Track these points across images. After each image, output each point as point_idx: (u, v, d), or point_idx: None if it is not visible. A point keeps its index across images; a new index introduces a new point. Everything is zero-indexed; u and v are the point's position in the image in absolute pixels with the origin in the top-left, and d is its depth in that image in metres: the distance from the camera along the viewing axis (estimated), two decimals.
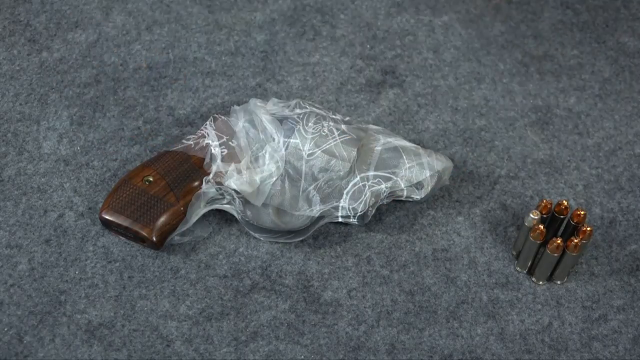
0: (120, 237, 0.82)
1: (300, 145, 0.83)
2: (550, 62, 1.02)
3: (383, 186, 0.83)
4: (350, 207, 0.82)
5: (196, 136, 0.85)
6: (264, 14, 1.05)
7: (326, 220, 0.82)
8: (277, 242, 0.83)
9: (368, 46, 1.02)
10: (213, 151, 0.83)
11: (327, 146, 0.83)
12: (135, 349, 0.75)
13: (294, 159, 0.83)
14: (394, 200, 0.86)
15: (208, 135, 0.84)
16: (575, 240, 0.76)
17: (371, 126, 0.88)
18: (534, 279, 0.81)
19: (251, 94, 0.96)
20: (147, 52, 1.00)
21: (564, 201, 0.79)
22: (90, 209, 0.85)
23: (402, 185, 0.83)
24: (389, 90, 0.98)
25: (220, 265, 0.81)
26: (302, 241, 0.83)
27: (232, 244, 0.83)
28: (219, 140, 0.84)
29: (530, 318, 0.79)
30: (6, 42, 1.00)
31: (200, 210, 0.81)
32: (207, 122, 0.85)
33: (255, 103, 0.86)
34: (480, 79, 0.99)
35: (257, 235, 0.82)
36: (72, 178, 0.87)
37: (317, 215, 0.81)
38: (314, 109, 0.86)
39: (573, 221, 0.79)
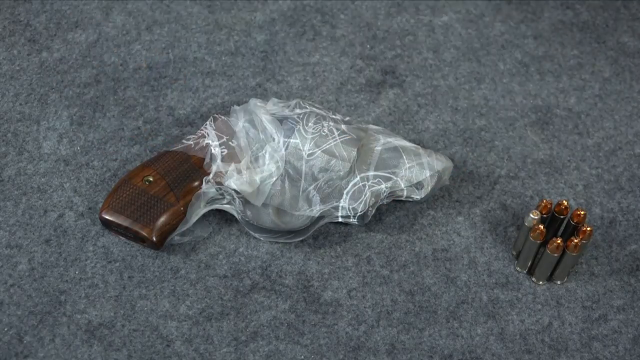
0: (120, 237, 0.82)
1: (300, 145, 0.83)
2: (550, 62, 1.02)
3: (383, 186, 0.83)
4: (350, 207, 0.82)
5: (196, 136, 0.85)
6: (264, 14, 1.05)
7: (326, 220, 0.82)
8: (277, 242, 0.83)
9: (368, 46, 1.02)
10: (213, 151, 0.83)
11: (327, 146, 0.83)
12: (135, 349, 0.75)
13: (294, 159, 0.83)
14: (394, 200, 0.86)
15: (208, 135, 0.84)
16: (575, 240, 0.76)
17: (371, 126, 0.88)
18: (534, 279, 0.81)
19: (251, 94, 0.96)
20: (147, 52, 1.00)
21: (564, 201, 0.79)
22: (90, 209, 0.85)
23: (402, 185, 0.83)
24: (389, 90, 0.98)
25: (220, 265, 0.81)
26: (302, 241, 0.83)
27: (232, 244, 0.83)
28: (219, 140, 0.84)
29: (530, 318, 0.79)
30: (6, 42, 1.00)
31: (200, 210, 0.81)
32: (207, 122, 0.85)
33: (255, 103, 0.86)
34: (480, 79, 0.99)
35: (257, 235, 0.82)
36: (72, 178, 0.87)
37: (317, 215, 0.81)
38: (314, 109, 0.86)
39: (573, 221, 0.79)
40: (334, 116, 0.86)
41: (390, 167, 0.84)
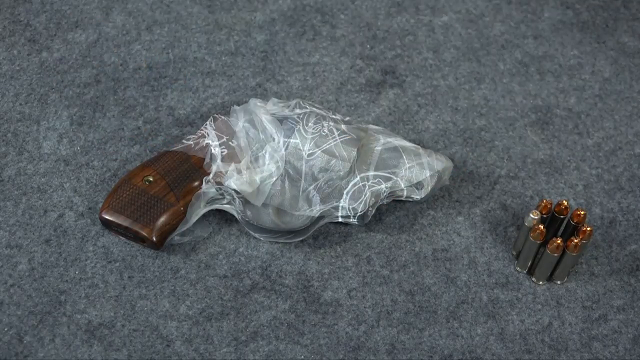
0: (120, 237, 0.82)
1: (300, 145, 0.83)
2: (550, 62, 1.02)
3: (383, 186, 0.83)
4: (350, 207, 0.82)
5: (196, 136, 0.85)
6: (264, 14, 1.05)
7: (326, 220, 0.82)
8: (277, 242, 0.83)
9: (368, 46, 1.02)
10: (213, 151, 0.83)
11: (327, 146, 0.83)
12: (135, 349, 0.75)
13: (294, 159, 0.83)
14: (394, 200, 0.86)
15: (208, 135, 0.84)
16: (575, 240, 0.76)
17: (371, 126, 0.88)
18: (534, 279, 0.81)
19: (251, 94, 0.96)
20: (147, 52, 1.00)
21: (564, 201, 0.79)
22: (90, 209, 0.85)
23: (402, 185, 0.83)
24: (389, 90, 0.98)
25: (220, 265, 0.81)
26: (302, 241, 0.83)
27: (232, 244, 0.83)
28: (219, 140, 0.84)
29: (530, 318, 0.79)
30: (6, 42, 1.00)
31: (200, 210, 0.81)
32: (207, 122, 0.85)
33: (255, 103, 0.86)
34: (480, 79, 0.99)
35: (257, 235, 0.82)
36: (72, 178, 0.87)
37: (317, 215, 0.81)
38: (314, 109, 0.86)
39: (573, 221, 0.79)
40: (334, 116, 0.86)
41: (390, 167, 0.84)
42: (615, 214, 0.87)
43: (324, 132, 0.84)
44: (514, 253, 0.83)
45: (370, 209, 0.82)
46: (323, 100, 0.96)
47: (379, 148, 0.85)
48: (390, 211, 0.86)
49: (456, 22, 1.06)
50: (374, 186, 0.82)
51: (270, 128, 0.84)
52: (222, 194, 0.82)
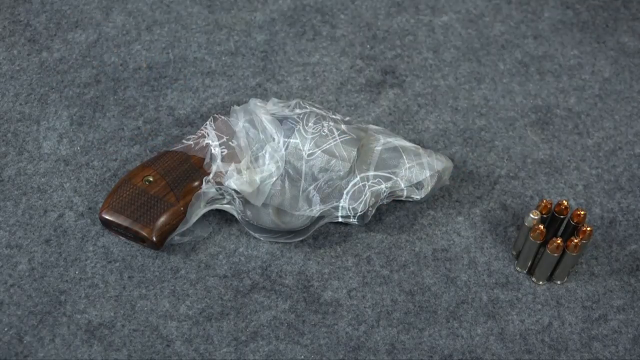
0: (120, 237, 0.82)
1: (300, 145, 0.83)
2: (550, 62, 1.02)
3: (383, 186, 0.83)
4: (350, 207, 0.82)
5: (196, 136, 0.85)
6: (264, 14, 1.05)
7: (326, 220, 0.82)
8: (277, 242, 0.83)
9: (368, 46, 1.02)
10: (213, 151, 0.83)
11: (327, 146, 0.83)
12: (135, 349, 0.75)
13: (294, 159, 0.83)
14: (394, 200, 0.86)
15: (208, 135, 0.84)
16: (575, 240, 0.76)
17: (371, 126, 0.88)
18: (534, 279, 0.81)
19: (251, 94, 0.96)
20: (147, 52, 1.00)
21: (564, 201, 0.79)
22: (90, 209, 0.85)
23: (402, 185, 0.83)
24: (389, 90, 0.98)
25: (220, 265, 0.81)
26: (302, 241, 0.83)
27: (232, 244, 0.83)
28: (219, 140, 0.84)
29: (530, 318, 0.79)
30: (6, 42, 1.00)
31: (200, 210, 0.81)
32: (207, 122, 0.85)
33: (255, 103, 0.86)
34: (480, 79, 0.99)
35: (257, 235, 0.82)
36: (72, 178, 0.87)
37: (317, 215, 0.81)
38: (314, 109, 0.86)
39: (573, 221, 0.79)
40: (334, 116, 0.86)
41: (390, 167, 0.84)
42: (615, 214, 0.87)
43: (324, 132, 0.84)
44: (514, 253, 0.83)
45: (370, 209, 0.82)
46: (323, 100, 0.96)
47: (379, 148, 0.85)
48: (390, 211, 0.86)
49: (456, 22, 1.06)
50: (374, 186, 0.82)
51: (270, 128, 0.84)
52: (222, 194, 0.82)
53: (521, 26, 1.06)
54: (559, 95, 0.98)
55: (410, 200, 0.84)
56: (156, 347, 0.75)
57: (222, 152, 0.83)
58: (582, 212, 0.78)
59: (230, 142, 0.84)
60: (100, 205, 0.85)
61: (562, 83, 1.00)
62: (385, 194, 0.83)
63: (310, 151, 0.83)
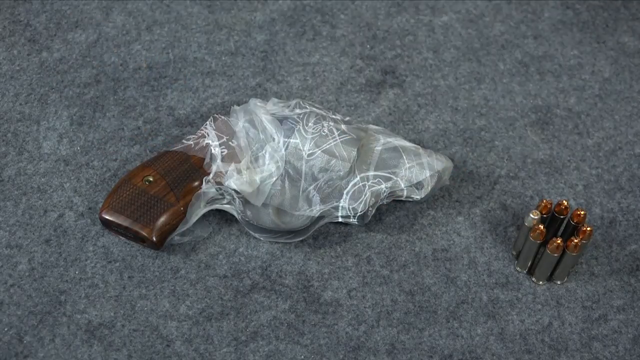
0: (120, 237, 0.82)
1: (300, 145, 0.83)
2: (550, 62, 1.02)
3: (383, 186, 0.83)
4: (350, 207, 0.82)
5: (196, 136, 0.85)
6: (264, 14, 1.05)
7: (326, 220, 0.82)
8: (277, 242, 0.83)
9: (368, 46, 1.02)
10: (213, 151, 0.83)
11: (327, 146, 0.83)
12: (135, 349, 0.75)
13: (294, 159, 0.83)
14: (394, 200, 0.86)
15: (208, 135, 0.84)
16: (575, 240, 0.76)
17: (371, 126, 0.88)
18: (534, 279, 0.81)
19: (251, 94, 0.96)
20: (147, 52, 1.00)
21: (564, 201, 0.79)
22: (90, 209, 0.85)
23: (402, 185, 0.83)
24: (389, 90, 0.98)
25: (220, 265, 0.81)
26: (302, 241, 0.83)
27: (232, 244, 0.83)
28: (219, 140, 0.84)
29: (530, 318, 0.79)
30: (6, 42, 1.00)
31: (200, 210, 0.81)
32: (207, 122, 0.85)
33: (255, 103, 0.86)
34: (480, 79, 0.99)
35: (257, 235, 0.82)
36: (72, 178, 0.87)
37: (317, 215, 0.81)
38: (314, 109, 0.86)
39: (573, 221, 0.79)
40: (334, 116, 0.86)
41: (390, 167, 0.84)
42: (615, 214, 0.87)
43: (324, 132, 0.84)
44: (514, 253, 0.83)
45: (370, 209, 0.82)
46: (323, 100, 0.96)
47: (379, 148, 0.85)
48: (390, 211, 0.86)
49: (456, 22, 1.06)
50: (374, 186, 0.82)
51: (270, 128, 0.84)
52: (222, 194, 0.82)
53: (521, 26, 1.06)
54: (559, 95, 0.98)
55: (410, 200, 0.84)
56: (156, 347, 0.75)
57: (222, 152, 0.83)
58: (582, 212, 0.78)
59: (230, 142, 0.84)
60: (100, 205, 0.85)
61: (562, 83, 1.00)
62: (385, 194, 0.83)
63: (310, 151, 0.83)
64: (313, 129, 0.84)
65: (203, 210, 0.82)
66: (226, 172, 0.81)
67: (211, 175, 0.81)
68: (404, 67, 1.00)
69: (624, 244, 0.85)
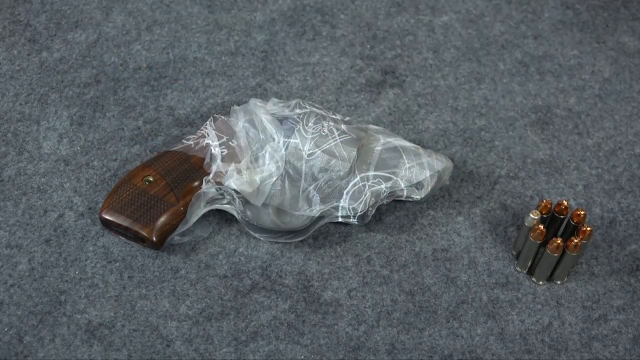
0: (120, 237, 0.82)
1: (300, 145, 0.83)
2: (550, 62, 1.02)
3: (383, 186, 0.83)
4: (350, 207, 0.82)
5: (196, 136, 0.85)
6: (264, 14, 1.05)
7: (326, 220, 0.82)
8: (277, 242, 0.83)
9: (368, 46, 1.02)
10: (213, 151, 0.83)
11: (327, 146, 0.83)
12: (135, 349, 0.75)
13: (294, 159, 0.83)
14: (394, 200, 0.86)
15: (208, 135, 0.84)
16: (575, 240, 0.76)
17: (371, 126, 0.88)
18: (534, 279, 0.81)
19: (251, 94, 0.96)
20: (147, 52, 1.00)
21: (564, 201, 0.79)
22: (90, 209, 0.85)
23: (402, 185, 0.83)
24: (389, 90, 0.98)
25: (220, 265, 0.81)
26: (302, 241, 0.83)
27: (232, 244, 0.83)
28: (219, 140, 0.84)
29: (530, 318, 0.79)
30: (6, 42, 1.00)
31: (200, 210, 0.81)
32: (207, 122, 0.85)
33: (255, 103, 0.86)
34: (480, 79, 0.99)
35: (257, 235, 0.82)
36: (72, 178, 0.87)
37: (317, 215, 0.81)
38: (314, 109, 0.86)
39: (573, 221, 0.79)
40: (334, 116, 0.86)
41: (390, 167, 0.84)
42: (615, 214, 0.87)
43: (324, 132, 0.84)
44: (514, 253, 0.83)
45: (370, 209, 0.82)
46: (323, 100, 0.96)
47: (379, 148, 0.85)
48: (390, 211, 0.86)
49: (456, 22, 1.06)
50: (374, 186, 0.82)
51: (270, 128, 0.84)
52: (222, 194, 0.82)
53: (521, 26, 1.06)
54: (559, 95, 0.98)
55: (410, 200, 0.84)
56: (156, 347, 0.75)
57: (222, 152, 0.83)
58: (582, 212, 0.78)
59: (230, 142, 0.84)
60: (100, 205, 0.85)
61: (562, 83, 1.00)
62: (385, 194, 0.83)
63: (310, 151, 0.83)
64: (313, 129, 0.84)
65: (203, 210, 0.82)
66: (226, 172, 0.81)
67: (211, 175, 0.81)
68: (404, 67, 1.00)
69: (624, 244, 0.85)
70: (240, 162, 0.82)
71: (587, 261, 0.83)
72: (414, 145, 0.86)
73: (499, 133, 0.94)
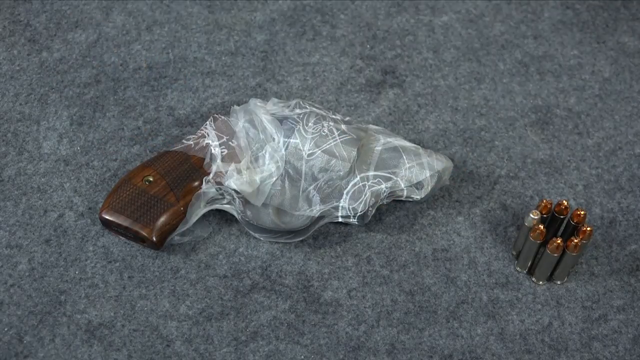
0: (120, 237, 0.82)
1: (300, 145, 0.83)
2: (550, 62, 1.02)
3: (383, 186, 0.83)
4: (350, 207, 0.82)
5: (196, 136, 0.85)
6: (264, 14, 1.05)
7: (326, 220, 0.82)
8: (277, 242, 0.83)
9: (368, 46, 1.02)
10: (213, 151, 0.83)
11: (327, 146, 0.83)
12: (135, 349, 0.75)
13: (294, 159, 0.83)
14: (394, 200, 0.86)
15: (208, 135, 0.84)
16: (575, 240, 0.76)
17: (371, 126, 0.88)
18: (534, 279, 0.81)
19: (251, 94, 0.96)
20: (147, 52, 1.00)
21: (564, 201, 0.79)
22: (90, 209, 0.85)
23: (402, 185, 0.83)
24: (389, 90, 0.98)
25: (220, 265, 0.81)
26: (302, 241, 0.83)
27: (232, 244, 0.83)
28: (219, 140, 0.84)
29: (530, 318, 0.79)
30: (6, 42, 1.00)
31: (200, 210, 0.81)
32: (207, 122, 0.85)
33: (255, 103, 0.86)
34: (480, 79, 0.99)
35: (257, 235, 0.82)
36: (72, 178, 0.87)
37: (317, 215, 0.81)
38: (314, 109, 0.86)
39: (573, 221, 0.79)
40: (334, 116, 0.86)
41: (390, 167, 0.84)
42: (615, 214, 0.87)
43: (324, 132, 0.84)
44: (514, 253, 0.83)
45: (370, 209, 0.82)
46: (323, 100, 0.96)
47: (379, 148, 0.85)
48: (390, 211, 0.86)
49: (456, 22, 1.06)
50: (374, 186, 0.82)
51: (270, 128, 0.84)
52: (222, 194, 0.82)
53: (521, 26, 1.06)
54: (559, 95, 0.98)
55: (410, 200, 0.84)
56: (156, 347, 0.75)
57: (222, 152, 0.83)
58: (582, 212, 0.78)
59: (230, 142, 0.84)
60: (100, 205, 0.85)
61: (562, 83, 1.00)
62: (385, 194, 0.83)
63: (310, 151, 0.83)
64: (313, 129, 0.84)
65: (203, 210, 0.82)
66: (226, 172, 0.81)
67: (211, 175, 0.81)
68: (404, 67, 1.00)
69: (624, 244, 0.85)
70: (240, 162, 0.82)
71: (587, 261, 0.83)
72: (414, 145, 0.86)
73: (499, 133, 0.94)
